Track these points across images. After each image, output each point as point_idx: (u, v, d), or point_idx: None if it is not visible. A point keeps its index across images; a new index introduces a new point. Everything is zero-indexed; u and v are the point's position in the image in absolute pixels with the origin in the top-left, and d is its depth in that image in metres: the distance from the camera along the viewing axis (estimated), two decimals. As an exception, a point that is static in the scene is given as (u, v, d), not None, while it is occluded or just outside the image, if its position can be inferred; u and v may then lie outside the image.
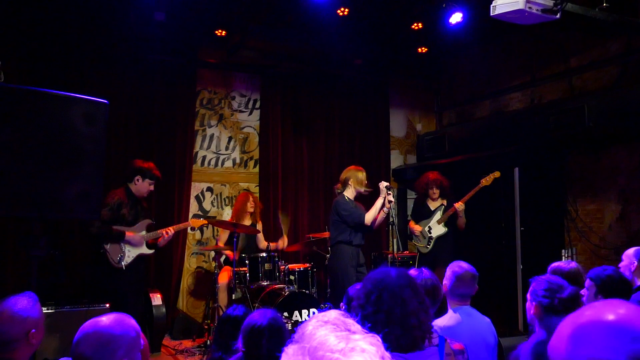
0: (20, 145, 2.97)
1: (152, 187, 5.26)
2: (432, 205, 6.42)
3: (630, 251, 3.92)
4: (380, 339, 1.01)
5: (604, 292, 2.96)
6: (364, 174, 5.60)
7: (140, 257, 5.12)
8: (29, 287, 3.03)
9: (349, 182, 5.56)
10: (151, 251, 5.24)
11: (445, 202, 6.37)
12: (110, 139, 5.48)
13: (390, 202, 5.41)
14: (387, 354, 1.00)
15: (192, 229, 6.94)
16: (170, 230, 5.33)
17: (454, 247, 6.29)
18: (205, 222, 5.90)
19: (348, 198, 5.57)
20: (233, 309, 3.12)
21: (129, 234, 4.99)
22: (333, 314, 1.08)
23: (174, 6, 5.86)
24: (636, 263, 3.83)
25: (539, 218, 6.60)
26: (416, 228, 6.40)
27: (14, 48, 5.74)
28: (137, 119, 6.66)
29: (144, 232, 5.16)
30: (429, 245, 6.31)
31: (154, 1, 5.61)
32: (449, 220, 6.26)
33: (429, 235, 6.32)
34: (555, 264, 3.64)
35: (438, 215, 6.33)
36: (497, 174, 6.03)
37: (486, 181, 6.01)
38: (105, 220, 4.89)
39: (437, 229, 6.30)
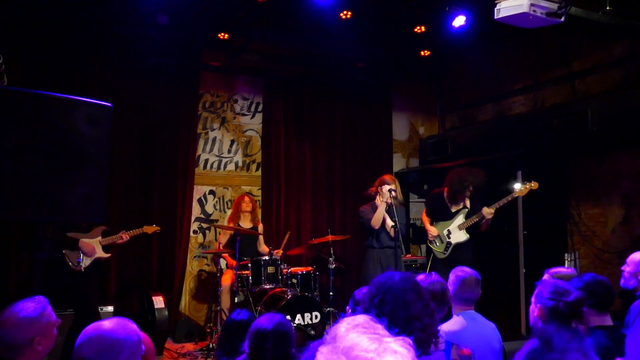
0: (24, 149, 2.96)
1: None
2: (454, 206, 5.90)
3: (637, 257, 3.83)
4: (412, 342, 1.03)
5: (587, 302, 2.89)
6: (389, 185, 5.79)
7: (97, 261, 5.27)
8: (32, 289, 3.02)
9: (381, 189, 5.79)
10: (108, 255, 5.39)
11: (468, 205, 5.85)
12: (113, 141, 5.47)
13: (393, 197, 5.60)
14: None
15: (195, 233, 6.98)
16: (125, 236, 5.47)
17: (474, 256, 5.75)
18: (158, 228, 5.85)
19: (375, 204, 5.87)
20: (237, 314, 3.11)
21: (82, 242, 5.13)
22: (361, 318, 1.10)
23: (177, 9, 5.86)
24: None
25: (542, 222, 6.59)
26: (432, 231, 5.90)
27: (17, 51, 5.75)
28: (140, 122, 6.66)
29: (99, 238, 5.30)
30: (447, 251, 5.81)
31: (157, 4, 5.61)
32: (471, 226, 5.76)
33: (448, 240, 5.81)
34: (554, 269, 3.62)
35: (460, 219, 5.81)
36: (534, 185, 5.47)
37: (520, 192, 5.51)
38: (60, 226, 5.04)
39: (458, 235, 5.78)
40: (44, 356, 2.35)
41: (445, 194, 5.95)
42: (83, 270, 5.10)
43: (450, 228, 5.84)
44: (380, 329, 1.06)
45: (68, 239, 5.05)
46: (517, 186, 5.59)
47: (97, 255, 5.24)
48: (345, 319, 1.10)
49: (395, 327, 1.90)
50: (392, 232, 5.71)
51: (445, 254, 5.83)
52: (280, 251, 6.35)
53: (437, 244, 5.89)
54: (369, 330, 1.04)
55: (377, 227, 5.76)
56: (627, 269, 3.84)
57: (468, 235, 5.78)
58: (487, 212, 5.58)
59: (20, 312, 2.29)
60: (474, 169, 5.86)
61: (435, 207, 6.06)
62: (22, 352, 2.26)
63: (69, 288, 5.12)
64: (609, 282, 2.99)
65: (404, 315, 1.94)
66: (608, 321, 2.90)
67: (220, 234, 6.77)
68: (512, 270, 6.53)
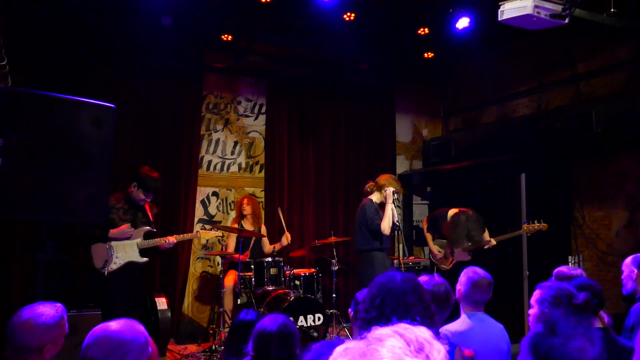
0: (27, 149, 2.97)
1: (145, 198, 4.92)
2: None
3: (628, 260, 3.80)
4: None
5: None
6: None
7: (132, 265, 4.80)
8: (35, 291, 3.03)
9: (385, 190, 5.60)
10: (144, 259, 4.89)
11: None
12: (117, 143, 5.45)
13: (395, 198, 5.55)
14: None
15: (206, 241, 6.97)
16: (172, 240, 5.02)
17: None
18: (219, 233, 5.70)
19: (376, 203, 5.68)
20: (245, 314, 3.11)
21: (112, 230, 4.67)
22: (417, 330, 1.01)
23: (181, 11, 5.87)
24: (636, 271, 3.73)
25: (546, 224, 6.56)
26: (435, 252, 6.09)
27: (21, 52, 5.76)
28: (144, 123, 6.67)
29: (138, 240, 4.86)
30: (450, 265, 6.03)
31: (161, 6, 5.62)
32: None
33: (451, 257, 6.05)
34: (559, 269, 3.60)
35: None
36: (544, 227, 5.65)
37: (528, 229, 5.74)
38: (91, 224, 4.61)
39: (460, 255, 5.97)
40: None
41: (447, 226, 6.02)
42: (106, 274, 4.65)
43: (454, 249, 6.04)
44: (429, 347, 0.97)
45: (97, 231, 4.65)
46: (526, 224, 5.77)
47: (131, 259, 4.77)
48: (399, 324, 1.02)
49: None
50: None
51: (448, 267, 6.03)
52: (287, 234, 6.42)
53: (441, 260, 6.12)
54: (409, 344, 0.96)
55: (387, 234, 5.49)
56: (624, 275, 3.81)
57: (470, 257, 5.91)
58: (492, 242, 5.82)
59: (39, 317, 2.28)
60: (476, 219, 5.85)
61: (439, 227, 6.20)
62: (29, 356, 2.25)
63: (94, 290, 4.81)
64: (599, 286, 2.97)
65: (404, 317, 1.93)
66: (597, 324, 2.89)
67: (227, 237, 6.72)
68: (516, 272, 6.51)
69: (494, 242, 5.81)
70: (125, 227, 4.77)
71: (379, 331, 1.00)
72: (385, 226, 5.46)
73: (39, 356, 2.28)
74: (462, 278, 3.17)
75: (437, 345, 0.99)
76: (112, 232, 4.73)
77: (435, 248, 6.15)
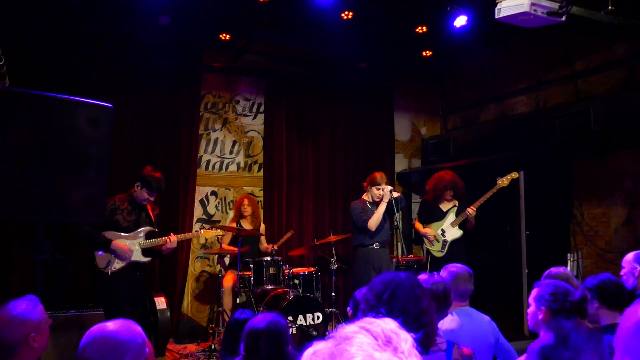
0: (25, 149, 2.97)
1: (149, 197, 4.92)
2: (444, 206, 6.08)
3: (630, 256, 3.83)
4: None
5: (600, 299, 2.91)
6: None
7: (134, 264, 4.81)
8: (33, 290, 3.02)
9: (381, 189, 5.74)
10: (147, 259, 4.89)
11: (457, 203, 6.04)
12: (115, 142, 5.47)
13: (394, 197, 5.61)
14: None
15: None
16: (173, 238, 4.99)
17: (466, 250, 5.99)
18: (219, 232, 5.71)
19: (369, 202, 5.83)
20: (240, 313, 3.13)
21: (115, 244, 4.68)
22: (383, 323, 1.00)
23: (179, 10, 5.86)
24: (638, 267, 3.75)
25: (545, 222, 6.56)
26: (429, 232, 6.03)
27: (19, 52, 5.76)
28: (142, 123, 6.66)
29: (140, 240, 4.85)
30: (444, 249, 5.96)
31: (159, 5, 5.61)
32: (462, 222, 5.93)
33: (443, 238, 5.96)
34: (549, 270, 3.65)
35: (451, 217, 5.98)
36: (514, 175, 5.70)
37: (503, 182, 5.70)
38: (96, 225, 4.61)
39: (452, 232, 5.94)
40: (39, 355, 2.32)
41: (430, 198, 6.18)
42: (109, 274, 4.66)
43: (443, 227, 6.02)
44: (396, 340, 0.97)
45: (100, 239, 4.67)
46: (499, 178, 5.78)
47: (134, 259, 4.78)
48: (366, 319, 1.01)
49: (407, 321, 1.89)
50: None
51: (443, 252, 5.99)
52: (276, 246, 6.38)
53: (434, 244, 6.06)
54: (377, 339, 0.95)
55: (372, 230, 5.67)
56: (624, 271, 3.83)
57: (462, 231, 5.98)
58: (469, 211, 5.79)
59: (12, 309, 2.25)
60: (451, 173, 6.10)
61: (426, 211, 6.27)
62: (17, 350, 2.21)
63: (98, 290, 4.85)
64: (623, 283, 3.00)
65: (415, 309, 1.95)
66: (619, 319, 2.90)
67: (223, 235, 6.74)
68: (515, 270, 6.51)
69: (473, 208, 5.75)
70: (127, 249, 4.75)
71: (345, 329, 0.99)
72: (373, 223, 5.66)
73: (27, 347, 2.24)
74: (444, 274, 3.18)
75: (404, 335, 0.99)
76: (115, 245, 4.70)
77: (427, 229, 6.06)
